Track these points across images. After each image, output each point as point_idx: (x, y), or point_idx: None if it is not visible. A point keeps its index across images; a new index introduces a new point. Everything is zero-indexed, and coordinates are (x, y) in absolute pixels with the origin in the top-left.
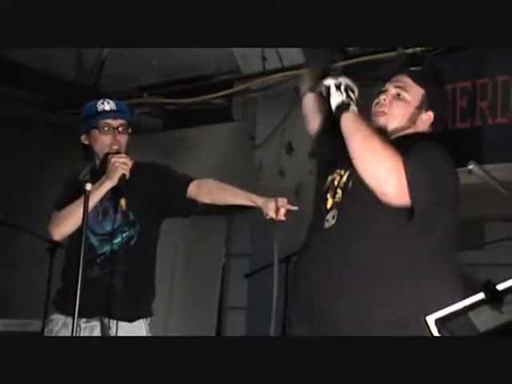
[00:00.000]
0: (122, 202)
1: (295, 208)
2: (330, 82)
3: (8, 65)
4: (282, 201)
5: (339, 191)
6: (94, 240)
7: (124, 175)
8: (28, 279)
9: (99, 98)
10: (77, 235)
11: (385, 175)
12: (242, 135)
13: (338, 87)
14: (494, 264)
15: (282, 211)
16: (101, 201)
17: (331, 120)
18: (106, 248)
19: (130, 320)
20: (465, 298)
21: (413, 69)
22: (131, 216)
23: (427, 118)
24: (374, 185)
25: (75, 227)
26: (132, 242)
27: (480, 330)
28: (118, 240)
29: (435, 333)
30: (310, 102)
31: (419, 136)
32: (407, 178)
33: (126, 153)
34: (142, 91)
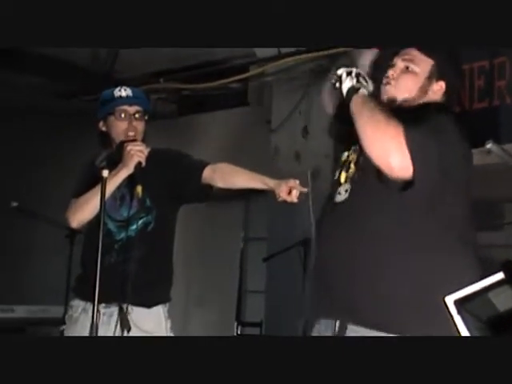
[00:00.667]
0: (139, 189)
1: (305, 190)
2: (341, 70)
3: (21, 52)
4: (294, 182)
5: (352, 166)
6: (111, 226)
7: (140, 163)
8: (48, 266)
9: (115, 85)
10: (95, 222)
11: (387, 149)
12: (257, 119)
13: (348, 74)
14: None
15: (294, 193)
16: (118, 187)
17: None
18: (124, 234)
19: (148, 306)
20: (482, 276)
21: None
22: (148, 202)
23: (439, 87)
24: (378, 160)
25: (93, 214)
26: (149, 228)
27: (500, 310)
28: (134, 226)
29: (454, 313)
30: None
31: (434, 106)
32: (409, 149)
33: (143, 140)
34: (157, 77)
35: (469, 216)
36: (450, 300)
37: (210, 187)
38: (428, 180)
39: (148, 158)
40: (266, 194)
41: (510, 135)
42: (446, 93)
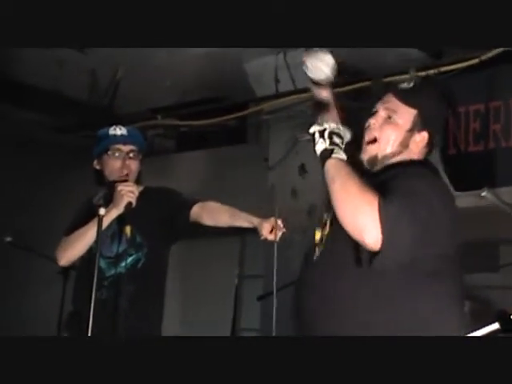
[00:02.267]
0: (127, 229)
1: (283, 230)
2: (314, 129)
3: (20, 86)
4: (276, 222)
5: (328, 225)
6: (102, 263)
7: (130, 203)
8: (41, 301)
9: (113, 120)
10: (86, 258)
11: (362, 224)
12: (255, 157)
13: (321, 134)
14: (510, 287)
15: (275, 232)
16: (109, 225)
17: None
18: (114, 271)
19: None
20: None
21: (402, 87)
22: (138, 239)
23: (421, 138)
24: (352, 233)
25: (81, 252)
26: (139, 265)
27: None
28: (124, 263)
29: None
30: None
31: (408, 163)
32: (381, 225)
33: (138, 178)
34: (155, 113)
35: (456, 271)
36: None
37: (198, 224)
38: (390, 256)
39: (140, 196)
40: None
41: (505, 178)
42: (428, 143)
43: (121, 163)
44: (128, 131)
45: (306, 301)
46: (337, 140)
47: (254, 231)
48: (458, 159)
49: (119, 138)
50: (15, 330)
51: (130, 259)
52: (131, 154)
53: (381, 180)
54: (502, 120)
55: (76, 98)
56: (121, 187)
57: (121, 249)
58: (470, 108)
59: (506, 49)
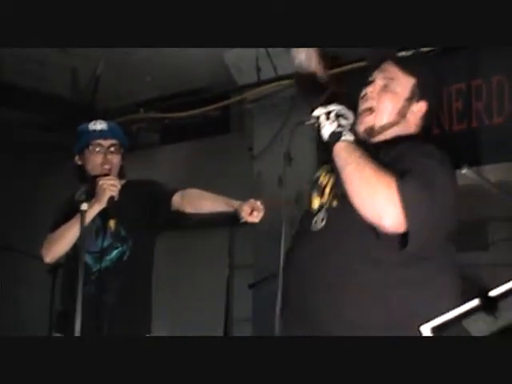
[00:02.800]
0: (111, 223)
1: (263, 211)
2: (319, 111)
3: (1, 86)
4: (255, 203)
5: (327, 191)
6: (88, 258)
7: (113, 197)
8: (32, 300)
9: (95, 116)
10: (71, 255)
11: (380, 207)
12: (239, 146)
13: (327, 116)
14: (498, 264)
15: (255, 214)
16: (93, 220)
17: None
18: (100, 265)
19: None
20: (460, 303)
21: (402, 54)
22: (123, 233)
23: (419, 108)
24: (370, 218)
25: (66, 249)
26: (125, 258)
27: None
28: (110, 256)
29: None
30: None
31: (412, 138)
32: (403, 207)
33: (121, 172)
34: (138, 107)
35: (450, 249)
36: (425, 328)
37: (181, 213)
38: (421, 236)
39: (123, 190)
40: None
41: (489, 156)
42: (426, 114)
43: (102, 158)
44: (108, 126)
45: (304, 288)
46: (343, 122)
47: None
48: (442, 139)
49: (99, 133)
50: (7, 332)
51: (115, 252)
52: (112, 149)
53: (387, 157)
54: (483, 98)
55: (58, 96)
56: (102, 181)
57: (106, 243)
58: (452, 87)
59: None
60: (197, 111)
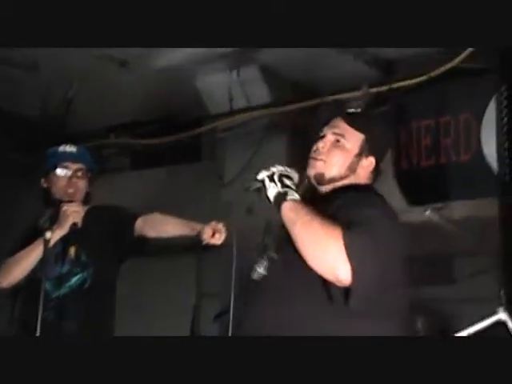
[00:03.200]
0: (72, 250)
1: (224, 234)
2: (262, 175)
3: None
4: (217, 225)
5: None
6: (47, 284)
7: (75, 223)
8: None
9: (65, 139)
10: (31, 279)
11: (333, 262)
12: (210, 174)
13: (271, 178)
14: (464, 299)
15: (217, 236)
16: (53, 246)
17: None
18: (59, 292)
19: None
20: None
21: (350, 111)
22: (83, 258)
23: (368, 163)
24: (325, 274)
25: (23, 275)
26: (86, 285)
27: None
28: (70, 283)
29: None
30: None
31: (356, 188)
32: (350, 261)
33: (87, 197)
34: (108, 132)
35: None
36: None
37: (144, 239)
38: (365, 293)
39: (87, 215)
40: (216, 249)
41: (456, 193)
42: (375, 168)
43: (67, 181)
44: (77, 150)
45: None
46: (288, 182)
47: (210, 248)
48: (411, 173)
49: (68, 155)
50: None
51: (74, 279)
52: (79, 173)
53: (332, 206)
54: (452, 135)
55: (28, 117)
56: (66, 207)
57: (64, 269)
58: (422, 123)
59: (455, 65)
60: (168, 138)
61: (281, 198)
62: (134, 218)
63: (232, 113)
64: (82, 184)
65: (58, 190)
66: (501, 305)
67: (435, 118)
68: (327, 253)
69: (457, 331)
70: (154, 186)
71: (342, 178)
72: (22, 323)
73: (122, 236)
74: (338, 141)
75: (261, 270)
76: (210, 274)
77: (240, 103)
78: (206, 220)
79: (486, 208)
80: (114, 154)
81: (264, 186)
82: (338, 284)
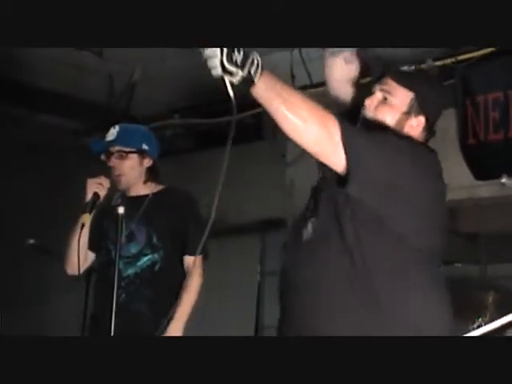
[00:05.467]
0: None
1: None
2: (215, 72)
3: (38, 92)
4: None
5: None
6: (119, 263)
7: (97, 194)
8: (64, 304)
9: (131, 121)
10: (105, 260)
11: (322, 138)
12: (273, 153)
13: (224, 68)
14: None
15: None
16: (126, 224)
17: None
18: (131, 271)
19: None
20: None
21: (401, 69)
22: (155, 239)
23: (418, 122)
24: (314, 152)
25: (76, 258)
26: (156, 268)
27: None
28: (140, 263)
29: None
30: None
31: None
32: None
33: (151, 176)
34: (173, 113)
35: (435, 250)
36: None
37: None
38: (360, 178)
39: (160, 196)
40: (282, 227)
41: None
42: (426, 128)
43: (111, 163)
44: (119, 132)
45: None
46: (238, 57)
47: (275, 227)
48: (478, 148)
49: (108, 142)
50: (38, 335)
51: (145, 259)
52: (116, 155)
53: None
54: None
55: (94, 102)
56: (91, 179)
57: (135, 249)
58: (489, 96)
59: None
60: (230, 118)
61: (247, 81)
62: (194, 253)
63: None
64: (125, 165)
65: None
66: None
67: (503, 91)
68: (317, 129)
69: None
70: (218, 165)
71: None
72: (95, 302)
73: (186, 244)
74: (385, 98)
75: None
76: (273, 253)
77: (302, 81)
78: (269, 199)
79: None
80: (177, 136)
81: (225, 83)
82: (333, 168)
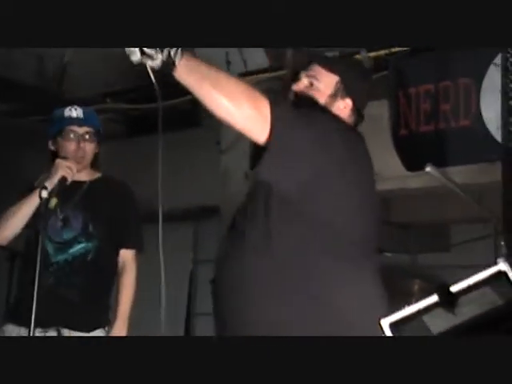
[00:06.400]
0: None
1: None
2: (134, 58)
3: None
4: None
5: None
6: (49, 247)
7: (64, 178)
8: None
9: (63, 104)
10: (33, 242)
11: (253, 117)
12: (207, 140)
13: (142, 52)
14: (461, 265)
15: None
16: (61, 208)
17: None
18: (61, 257)
19: (88, 330)
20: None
21: (325, 55)
22: (91, 228)
23: (345, 105)
24: (246, 131)
25: (18, 229)
26: (89, 257)
27: (433, 333)
28: (73, 250)
29: (390, 336)
30: None
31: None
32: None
33: (95, 162)
34: (105, 97)
35: (361, 237)
36: (385, 323)
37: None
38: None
39: (97, 184)
40: (216, 215)
41: (455, 158)
42: (353, 111)
43: (75, 145)
44: (84, 112)
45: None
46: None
47: (208, 215)
48: (410, 139)
49: (74, 120)
50: None
51: (78, 247)
52: (87, 136)
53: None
54: (451, 100)
55: (24, 83)
56: (59, 160)
57: (69, 235)
58: (421, 88)
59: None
60: (165, 103)
61: (168, 64)
62: (139, 248)
63: None
64: (90, 147)
65: (66, 155)
66: (501, 255)
67: (434, 83)
68: (245, 106)
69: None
70: (151, 152)
71: None
72: (19, 286)
73: (122, 237)
74: (311, 84)
75: None
76: (206, 241)
77: (238, 68)
78: (203, 186)
79: (487, 173)
80: (110, 121)
81: (148, 73)
82: (254, 138)
